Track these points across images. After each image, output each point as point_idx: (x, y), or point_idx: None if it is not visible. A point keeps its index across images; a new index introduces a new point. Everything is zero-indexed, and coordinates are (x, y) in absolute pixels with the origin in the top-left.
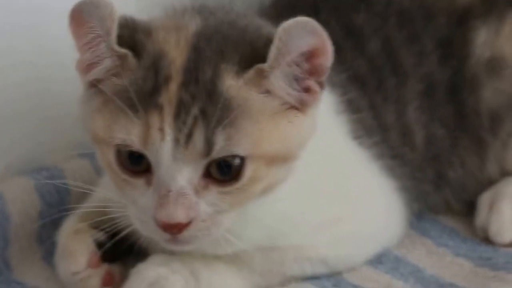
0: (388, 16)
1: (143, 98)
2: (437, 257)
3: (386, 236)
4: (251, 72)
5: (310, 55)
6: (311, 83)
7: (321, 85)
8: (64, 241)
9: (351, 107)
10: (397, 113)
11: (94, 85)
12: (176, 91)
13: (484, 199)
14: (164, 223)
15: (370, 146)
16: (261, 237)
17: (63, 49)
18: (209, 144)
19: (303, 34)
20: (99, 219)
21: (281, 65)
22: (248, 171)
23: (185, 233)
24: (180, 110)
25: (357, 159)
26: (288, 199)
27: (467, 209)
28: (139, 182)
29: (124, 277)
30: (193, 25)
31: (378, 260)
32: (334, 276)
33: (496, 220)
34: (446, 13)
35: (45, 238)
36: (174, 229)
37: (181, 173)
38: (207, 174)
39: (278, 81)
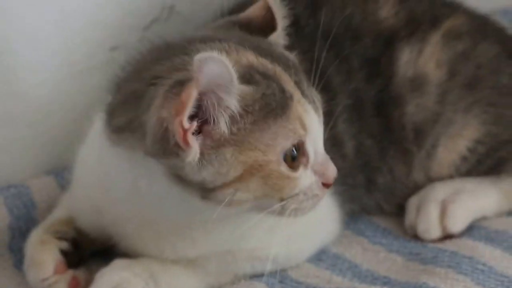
0: (316, 39)
1: (281, 109)
2: (372, 254)
3: (325, 234)
4: None
5: None
6: None
7: None
8: (32, 251)
9: None
10: (326, 126)
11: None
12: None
13: (412, 202)
14: (331, 179)
15: None
16: (222, 241)
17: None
18: None
19: None
20: (59, 229)
21: None
22: None
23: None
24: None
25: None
26: None
27: (398, 210)
28: (300, 171)
29: (89, 281)
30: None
31: (319, 258)
32: (280, 273)
33: (423, 221)
34: (372, 35)
35: (15, 248)
36: (333, 182)
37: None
38: None
39: None
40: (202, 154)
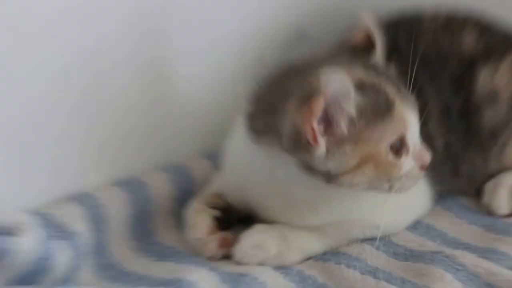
0: (414, 62)
1: (387, 111)
2: (457, 225)
3: (420, 208)
4: None
5: None
6: None
7: None
8: (190, 217)
9: None
10: (422, 126)
11: (343, 141)
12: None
13: (488, 186)
14: (426, 163)
15: None
16: (340, 212)
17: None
18: None
19: None
20: (212, 200)
21: None
22: None
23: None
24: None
25: None
26: None
27: (477, 192)
28: (403, 158)
29: (234, 241)
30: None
31: (414, 227)
32: (384, 237)
33: (496, 200)
34: (457, 59)
35: (179, 214)
36: (428, 165)
37: None
38: None
39: None
40: (327, 150)
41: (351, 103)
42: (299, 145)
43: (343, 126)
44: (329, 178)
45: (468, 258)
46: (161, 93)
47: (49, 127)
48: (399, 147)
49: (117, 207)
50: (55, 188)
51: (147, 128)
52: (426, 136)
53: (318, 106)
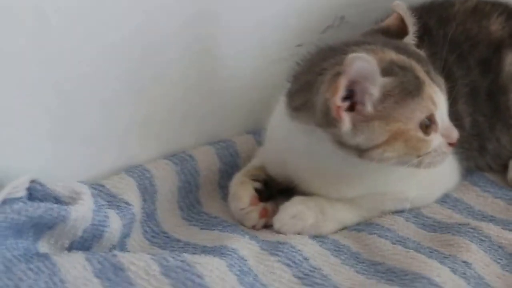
0: (444, 44)
1: (416, 91)
2: (483, 199)
3: (448, 182)
4: None
5: None
6: None
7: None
8: (234, 188)
9: None
10: (450, 106)
11: (372, 118)
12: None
13: None
14: (454, 139)
15: None
16: (373, 186)
17: None
18: None
19: None
20: (255, 173)
21: None
22: None
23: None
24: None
25: None
26: None
27: (503, 169)
28: (431, 135)
29: (275, 211)
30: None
31: (443, 200)
32: (414, 210)
33: None
34: (485, 43)
35: (223, 185)
36: (455, 142)
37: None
38: None
39: None
40: (354, 125)
41: (376, 84)
42: (329, 120)
43: (368, 104)
44: (360, 152)
45: (492, 230)
46: (207, 69)
47: (97, 100)
48: (428, 125)
49: (165, 179)
50: (103, 161)
51: (192, 103)
52: (454, 115)
53: (341, 84)
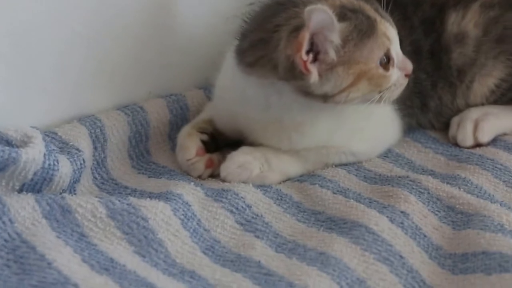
0: (388, 4)
1: (370, 30)
2: (424, 154)
3: (390, 138)
4: None
5: None
6: None
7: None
8: (181, 140)
9: None
10: None
11: (335, 65)
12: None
13: (455, 120)
14: (410, 70)
15: None
16: (321, 138)
17: None
18: None
19: None
20: (202, 126)
21: None
22: None
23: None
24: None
25: None
26: (338, 115)
27: (444, 127)
28: (390, 70)
29: (221, 162)
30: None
31: (385, 155)
32: (356, 163)
33: (461, 132)
34: (429, 3)
35: (172, 137)
36: (411, 73)
37: None
38: None
39: None
40: (320, 75)
41: (335, 31)
42: (294, 74)
43: (331, 53)
44: (326, 98)
45: (431, 183)
46: (161, 24)
47: (51, 49)
48: (386, 61)
49: (116, 128)
50: (56, 109)
51: (144, 57)
52: None
53: (304, 39)
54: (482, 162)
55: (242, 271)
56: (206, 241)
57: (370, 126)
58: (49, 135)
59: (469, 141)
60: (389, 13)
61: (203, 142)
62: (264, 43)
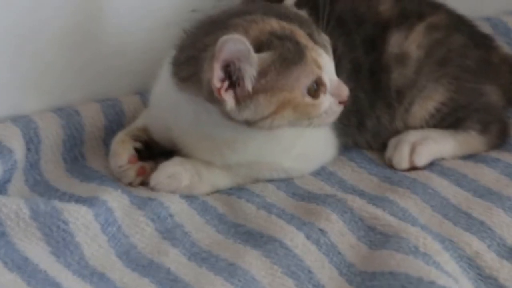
0: (330, 20)
1: (298, 58)
2: (357, 174)
3: (324, 156)
4: None
5: None
6: None
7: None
8: (114, 146)
9: None
10: None
11: (256, 92)
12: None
13: (392, 142)
14: (346, 97)
15: None
16: (253, 154)
17: None
18: None
19: None
20: (137, 134)
21: None
22: None
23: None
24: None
25: None
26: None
27: (381, 147)
28: (321, 97)
29: (153, 170)
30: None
31: (318, 173)
32: (287, 179)
33: (397, 155)
34: (372, 22)
35: (107, 143)
36: (346, 99)
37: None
38: None
39: None
40: (238, 102)
41: (250, 62)
42: (213, 98)
43: (247, 82)
44: (248, 124)
45: (356, 203)
46: (99, 29)
47: None
48: (316, 88)
49: (50, 131)
50: None
51: (81, 63)
52: None
53: (216, 68)
54: (414, 186)
55: (151, 276)
56: (123, 246)
57: (303, 143)
58: None
59: (405, 164)
60: (330, 29)
61: (137, 149)
62: (195, 62)
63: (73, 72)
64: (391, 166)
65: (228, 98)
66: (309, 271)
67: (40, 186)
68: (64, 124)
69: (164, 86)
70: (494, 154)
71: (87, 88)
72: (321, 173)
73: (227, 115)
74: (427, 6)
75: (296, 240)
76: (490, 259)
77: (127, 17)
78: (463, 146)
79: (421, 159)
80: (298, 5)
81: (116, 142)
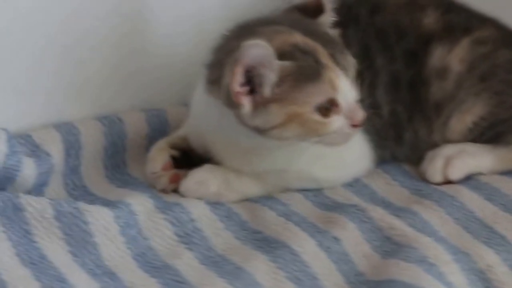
0: (370, 32)
1: (314, 75)
2: (389, 186)
3: (358, 169)
4: None
5: None
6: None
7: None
8: (152, 153)
9: None
10: (369, 93)
11: (270, 101)
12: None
13: (428, 155)
14: (357, 121)
15: None
16: (279, 162)
17: None
18: None
19: None
20: (176, 142)
21: None
22: None
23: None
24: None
25: None
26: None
27: (420, 160)
28: (332, 117)
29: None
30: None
31: (351, 184)
32: (318, 190)
33: (431, 168)
34: (415, 35)
35: (149, 150)
36: (361, 123)
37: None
38: None
39: None
40: (254, 108)
41: (272, 68)
42: (231, 102)
43: (266, 88)
44: (259, 131)
45: (377, 213)
46: (145, 40)
47: (27, 54)
48: (328, 107)
49: (92, 137)
50: (33, 114)
51: (126, 73)
52: (372, 102)
53: (237, 72)
54: (441, 198)
55: (159, 277)
56: (140, 248)
57: (334, 154)
58: (24, 137)
59: (438, 177)
60: (369, 42)
61: (174, 157)
62: (221, 65)
63: (118, 82)
64: (425, 179)
65: (245, 103)
66: (314, 277)
67: (78, 191)
68: (106, 131)
69: (200, 92)
70: None
71: (132, 98)
72: (354, 184)
73: (241, 120)
74: (475, 20)
75: (306, 246)
76: (501, 273)
77: (173, 29)
78: (503, 161)
79: (455, 173)
80: (337, 23)
81: (154, 149)
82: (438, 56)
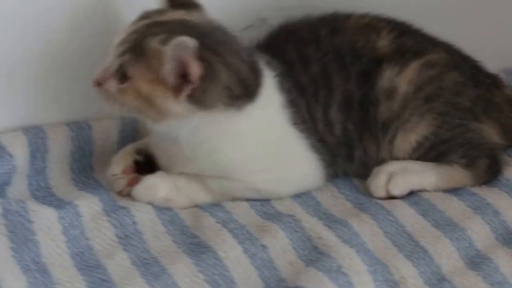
0: (328, 52)
1: None
2: (335, 199)
3: (302, 184)
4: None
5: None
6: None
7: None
8: (117, 155)
9: (293, 104)
10: (323, 112)
11: None
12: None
13: (374, 171)
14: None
15: (303, 130)
16: (210, 168)
17: None
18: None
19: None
20: (142, 148)
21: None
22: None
23: (99, 91)
24: None
25: (291, 135)
26: (238, 149)
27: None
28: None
29: None
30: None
31: (299, 196)
32: (266, 200)
33: (374, 183)
34: (369, 56)
35: None
36: (94, 84)
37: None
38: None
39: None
40: None
41: None
42: None
43: None
44: None
45: (310, 223)
46: None
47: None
48: None
49: (58, 142)
50: (5, 117)
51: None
52: (326, 121)
53: None
54: (377, 212)
55: (88, 275)
56: (79, 248)
57: (280, 168)
58: None
59: (381, 192)
60: (328, 62)
61: (138, 162)
62: None
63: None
64: (370, 194)
65: None
66: (232, 281)
67: (42, 191)
68: (73, 136)
69: None
70: (476, 189)
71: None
72: (302, 196)
73: None
74: (428, 44)
75: (230, 252)
76: (412, 285)
77: None
78: (445, 179)
79: (396, 189)
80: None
81: (121, 152)
82: (387, 77)
